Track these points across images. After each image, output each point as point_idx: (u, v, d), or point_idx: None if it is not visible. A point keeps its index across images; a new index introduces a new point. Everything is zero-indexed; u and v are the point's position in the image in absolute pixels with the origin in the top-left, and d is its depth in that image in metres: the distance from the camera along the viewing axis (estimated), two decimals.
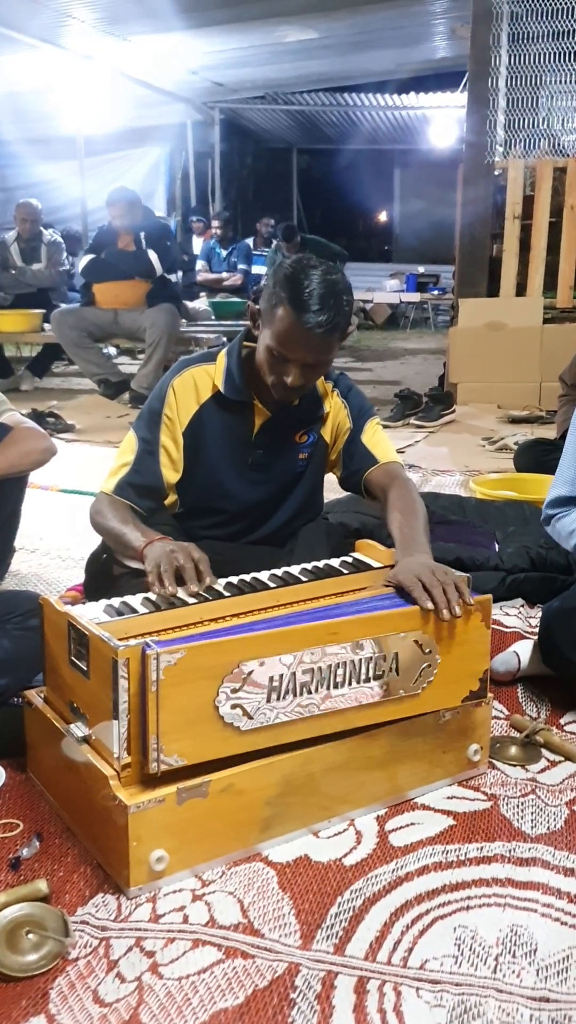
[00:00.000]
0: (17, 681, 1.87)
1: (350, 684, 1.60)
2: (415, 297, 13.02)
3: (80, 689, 1.57)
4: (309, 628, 1.56)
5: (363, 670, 1.60)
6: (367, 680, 1.61)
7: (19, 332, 7.12)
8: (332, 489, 2.41)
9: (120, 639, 1.49)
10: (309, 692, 1.56)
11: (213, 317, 7.64)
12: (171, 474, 2.13)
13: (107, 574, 2.15)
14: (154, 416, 2.13)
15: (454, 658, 1.70)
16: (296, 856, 1.57)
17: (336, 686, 1.59)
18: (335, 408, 2.21)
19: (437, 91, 12.00)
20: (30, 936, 1.35)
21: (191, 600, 1.73)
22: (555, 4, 6.23)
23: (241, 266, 8.97)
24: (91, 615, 1.63)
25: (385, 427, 5.70)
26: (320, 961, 1.34)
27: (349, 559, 1.98)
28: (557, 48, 6.33)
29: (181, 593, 1.74)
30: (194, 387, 2.13)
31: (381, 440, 2.22)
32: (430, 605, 1.65)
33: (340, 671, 1.58)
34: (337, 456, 2.23)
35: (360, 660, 1.60)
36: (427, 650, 1.66)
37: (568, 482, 2.19)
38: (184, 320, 6.58)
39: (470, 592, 1.70)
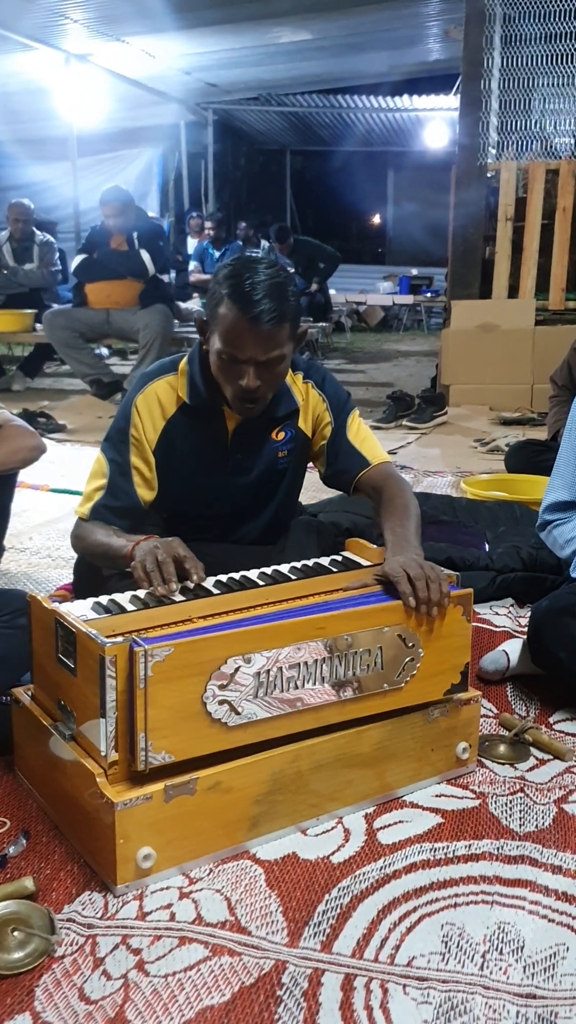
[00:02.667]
0: (5, 679, 1.86)
1: (336, 678, 1.60)
2: (408, 299, 13.04)
3: (68, 687, 1.57)
4: (295, 624, 1.56)
5: (349, 664, 1.60)
6: (353, 674, 1.61)
7: (11, 332, 7.11)
8: (325, 489, 2.40)
9: (108, 636, 1.49)
10: (296, 687, 1.56)
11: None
12: (146, 493, 2.09)
13: (96, 574, 2.13)
14: (122, 436, 2.08)
15: (436, 651, 1.71)
16: (284, 854, 1.57)
17: (322, 681, 1.59)
18: (311, 399, 2.16)
19: (430, 93, 12.02)
20: (16, 934, 1.34)
21: (179, 598, 1.72)
22: (548, 7, 6.25)
23: None
24: (79, 612, 1.63)
25: (377, 428, 5.72)
26: (307, 958, 1.34)
27: (339, 558, 1.98)
28: (550, 51, 6.35)
29: (164, 589, 1.72)
30: (158, 403, 2.08)
31: (367, 437, 2.18)
32: (413, 603, 1.65)
33: (326, 666, 1.58)
34: (320, 450, 2.19)
35: (346, 655, 1.60)
36: (410, 644, 1.67)
37: (567, 486, 2.19)
38: (177, 321, 6.58)
39: (448, 588, 1.70)
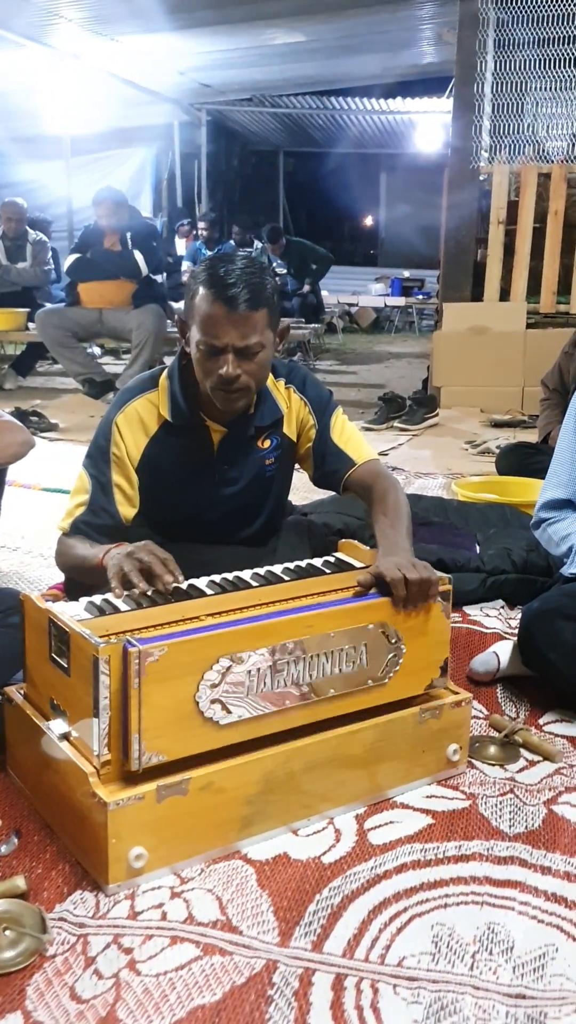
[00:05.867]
0: None
1: (324, 675, 1.62)
2: (400, 301, 13.05)
3: (61, 686, 1.57)
4: (284, 622, 1.58)
5: (336, 661, 1.62)
6: (339, 671, 1.63)
7: (3, 331, 7.10)
8: (317, 489, 2.40)
9: (101, 636, 1.49)
10: (285, 685, 1.57)
11: None
12: (128, 510, 2.07)
13: None
14: (103, 455, 2.06)
15: (417, 647, 1.73)
16: (275, 854, 1.57)
17: (311, 678, 1.60)
18: (294, 405, 2.16)
19: (423, 96, 12.02)
20: (7, 933, 1.34)
21: (172, 598, 1.73)
22: (540, 11, 6.27)
23: None
24: (72, 612, 1.63)
25: (368, 430, 5.70)
26: (298, 958, 1.34)
27: (332, 559, 1.98)
28: (542, 55, 6.37)
29: (145, 586, 1.71)
30: (140, 421, 2.06)
31: (352, 436, 2.18)
32: (401, 607, 1.68)
33: (315, 663, 1.60)
34: (306, 453, 2.18)
35: (333, 652, 1.62)
36: (393, 640, 1.69)
37: (562, 484, 2.20)
38: (170, 321, 6.58)
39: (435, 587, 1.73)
